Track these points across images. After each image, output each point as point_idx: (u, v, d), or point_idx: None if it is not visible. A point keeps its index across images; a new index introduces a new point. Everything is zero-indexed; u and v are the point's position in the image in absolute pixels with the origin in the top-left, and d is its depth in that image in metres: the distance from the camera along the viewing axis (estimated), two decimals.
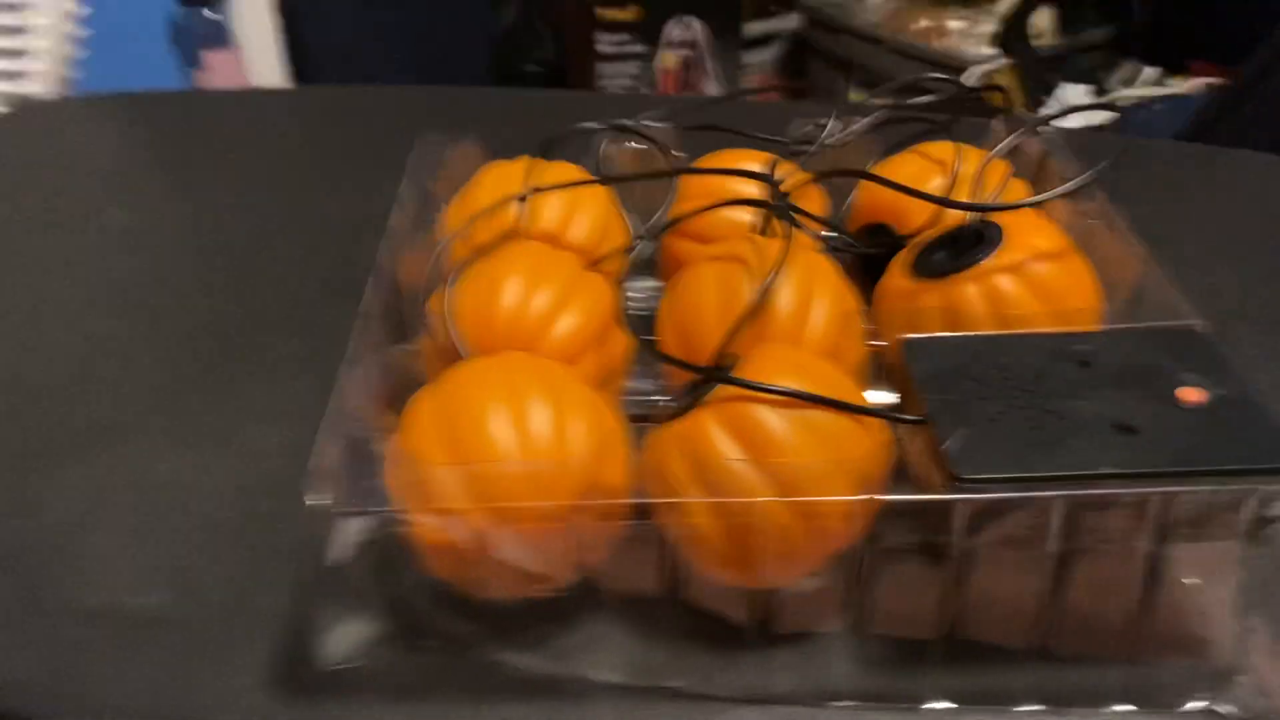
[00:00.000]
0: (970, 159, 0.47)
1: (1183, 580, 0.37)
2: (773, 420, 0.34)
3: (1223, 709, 0.35)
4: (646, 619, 0.37)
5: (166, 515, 0.44)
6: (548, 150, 0.49)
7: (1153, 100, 1.51)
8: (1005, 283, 0.41)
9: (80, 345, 0.56)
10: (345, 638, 0.36)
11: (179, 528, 0.43)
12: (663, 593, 0.37)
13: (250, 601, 0.39)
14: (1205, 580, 0.37)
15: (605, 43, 1.80)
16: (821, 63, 1.90)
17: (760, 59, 1.92)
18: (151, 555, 0.42)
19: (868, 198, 0.49)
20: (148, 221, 0.68)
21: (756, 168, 0.48)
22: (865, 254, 0.48)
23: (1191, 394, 0.35)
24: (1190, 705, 0.35)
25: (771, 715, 0.36)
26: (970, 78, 1.55)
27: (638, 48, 1.80)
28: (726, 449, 0.34)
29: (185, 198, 0.72)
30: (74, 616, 0.39)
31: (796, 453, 0.33)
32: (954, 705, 0.36)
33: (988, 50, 1.62)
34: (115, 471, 0.46)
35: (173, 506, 0.44)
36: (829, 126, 0.52)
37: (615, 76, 1.82)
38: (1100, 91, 1.59)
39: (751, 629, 0.37)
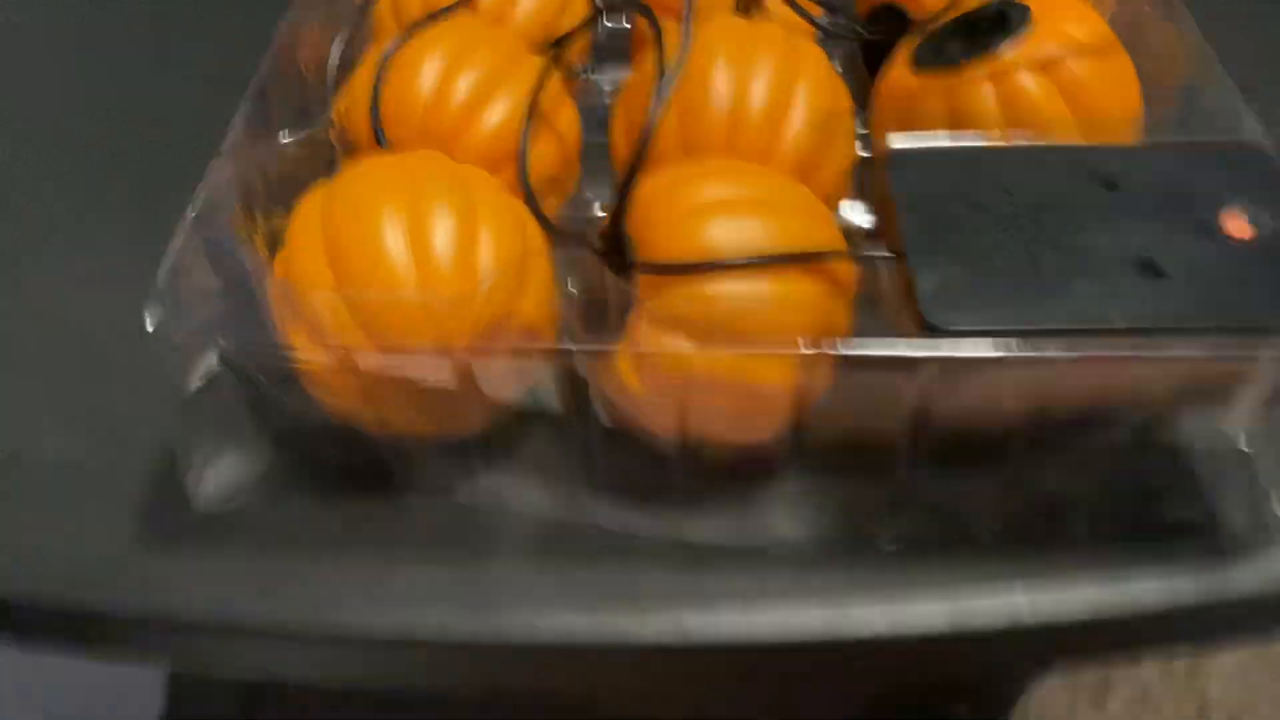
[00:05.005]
0: None
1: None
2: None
3: None
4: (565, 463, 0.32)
5: (65, 353, 0.38)
6: None
7: None
8: (1026, 80, 0.33)
9: None
10: (217, 478, 0.31)
11: (75, 367, 0.37)
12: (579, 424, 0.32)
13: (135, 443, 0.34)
14: None
15: None
16: None
17: None
18: (50, 396, 0.37)
19: None
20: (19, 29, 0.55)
21: None
22: (871, 42, 0.40)
23: (1238, 225, 0.29)
24: None
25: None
26: None
27: None
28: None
29: None
30: None
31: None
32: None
33: None
34: (14, 306, 0.40)
35: (71, 344, 0.38)
36: None
37: None
38: None
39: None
